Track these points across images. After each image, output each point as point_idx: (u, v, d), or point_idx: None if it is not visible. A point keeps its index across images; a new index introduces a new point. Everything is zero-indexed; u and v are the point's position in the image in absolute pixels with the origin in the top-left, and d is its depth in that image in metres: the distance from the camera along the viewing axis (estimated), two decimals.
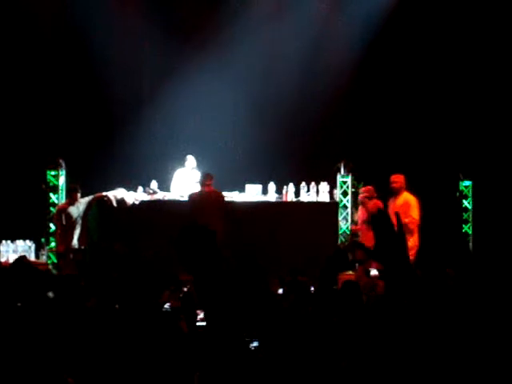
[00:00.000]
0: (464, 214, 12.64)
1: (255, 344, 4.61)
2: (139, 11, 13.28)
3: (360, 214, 10.57)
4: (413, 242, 9.46)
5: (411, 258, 9.14)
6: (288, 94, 13.13)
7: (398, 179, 9.93)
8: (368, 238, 10.26)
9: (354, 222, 11.40)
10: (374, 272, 10.05)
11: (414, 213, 9.67)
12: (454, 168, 12.65)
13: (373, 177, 11.17)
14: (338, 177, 11.80)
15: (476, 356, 3.83)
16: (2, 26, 12.62)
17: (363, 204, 10.43)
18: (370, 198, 10.35)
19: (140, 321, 5.07)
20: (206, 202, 10.18)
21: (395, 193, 9.97)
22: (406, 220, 9.33)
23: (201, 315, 6.28)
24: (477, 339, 3.92)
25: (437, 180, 12.83)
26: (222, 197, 10.59)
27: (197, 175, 11.36)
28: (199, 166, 11.67)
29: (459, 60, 13.08)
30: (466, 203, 12.66)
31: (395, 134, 13.14)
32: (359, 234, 10.79)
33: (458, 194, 12.65)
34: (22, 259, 8.06)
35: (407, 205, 9.68)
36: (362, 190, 10.61)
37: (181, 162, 11.61)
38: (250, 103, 13.08)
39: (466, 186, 12.67)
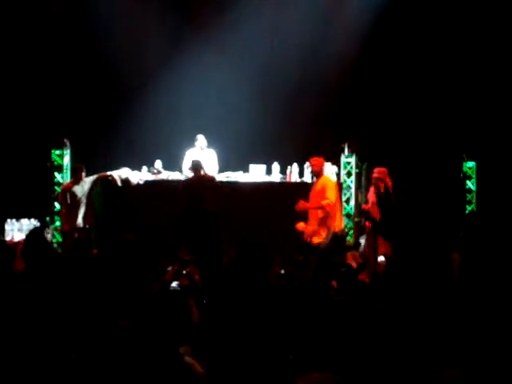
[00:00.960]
0: (468, 195, 12.66)
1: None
2: None
3: (371, 194, 10.52)
4: (335, 225, 9.40)
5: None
6: (292, 75, 13.13)
7: (315, 162, 9.69)
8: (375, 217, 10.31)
9: (365, 202, 11.38)
10: (381, 258, 10.10)
11: (331, 195, 9.39)
12: (458, 149, 12.66)
13: (377, 157, 11.18)
14: (342, 157, 11.81)
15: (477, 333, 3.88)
16: (4, 3, 12.60)
17: (375, 185, 10.39)
18: (382, 180, 10.30)
19: (149, 301, 5.13)
20: (199, 186, 10.17)
21: (315, 176, 9.82)
22: (323, 202, 9.29)
23: None
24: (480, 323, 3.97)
25: (440, 161, 12.85)
26: (214, 180, 10.55)
27: (208, 154, 11.40)
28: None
29: (464, 42, 13.05)
30: (469, 184, 12.67)
31: (399, 115, 13.14)
32: (370, 213, 10.79)
33: (461, 174, 12.66)
34: (37, 232, 8.14)
35: (324, 188, 9.57)
36: (375, 170, 10.50)
37: (188, 141, 11.59)
38: (254, 83, 13.06)
39: (470, 167, 12.67)
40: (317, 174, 9.74)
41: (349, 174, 11.74)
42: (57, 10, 12.81)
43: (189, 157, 11.31)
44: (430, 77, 13.11)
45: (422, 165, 12.93)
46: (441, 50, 13.10)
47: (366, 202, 10.85)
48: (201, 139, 11.43)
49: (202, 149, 11.43)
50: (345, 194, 11.61)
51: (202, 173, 10.31)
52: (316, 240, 9.19)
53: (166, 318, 4.72)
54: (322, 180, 9.65)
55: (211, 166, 11.38)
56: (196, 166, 10.27)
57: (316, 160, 9.71)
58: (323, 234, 9.24)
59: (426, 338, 3.93)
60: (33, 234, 6.74)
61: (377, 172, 10.37)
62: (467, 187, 12.67)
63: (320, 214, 9.44)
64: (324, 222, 9.42)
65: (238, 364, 3.58)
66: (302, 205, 9.52)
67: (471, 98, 13.05)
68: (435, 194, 12.70)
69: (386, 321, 4.39)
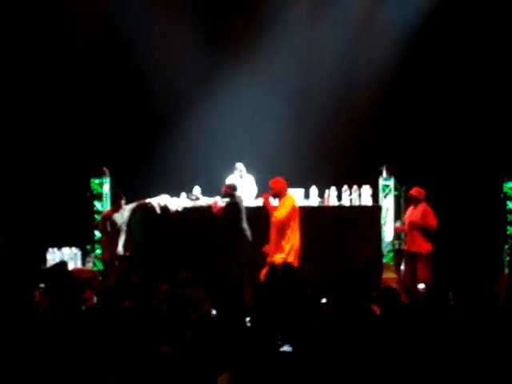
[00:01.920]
0: (509, 215, 12.50)
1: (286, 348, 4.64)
2: (180, 14, 13.41)
3: (408, 215, 10.47)
4: (290, 244, 9.39)
5: (292, 259, 9.25)
6: (328, 97, 13.13)
7: (274, 184, 9.63)
8: (411, 240, 10.25)
9: (400, 222, 11.34)
10: (421, 286, 10.03)
11: (282, 211, 9.38)
12: (498, 169, 12.52)
13: (415, 180, 11.11)
14: (380, 180, 11.77)
15: None
16: (44, 29, 12.81)
17: (413, 205, 10.35)
18: (419, 200, 10.27)
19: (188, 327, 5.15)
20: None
21: (275, 197, 9.74)
22: (274, 215, 9.39)
23: None
24: None
25: (480, 182, 12.71)
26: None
27: (247, 181, 11.47)
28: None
29: (504, 59, 12.93)
30: (510, 205, 12.52)
31: (437, 136, 13.05)
32: (404, 234, 10.75)
33: (502, 195, 12.52)
34: (62, 265, 8.24)
35: (280, 206, 9.56)
36: (413, 190, 10.47)
37: (226, 167, 11.65)
38: (290, 107, 13.10)
39: (511, 188, 12.53)
40: (276, 195, 9.68)
41: (387, 197, 11.69)
42: (94, 39, 12.98)
43: (228, 182, 11.35)
44: (469, 96, 13.00)
45: (461, 186, 12.81)
46: (480, 67, 12.99)
47: (403, 223, 10.80)
48: (240, 167, 11.51)
49: (241, 176, 11.52)
50: (383, 217, 11.54)
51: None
52: (271, 259, 9.34)
53: (205, 344, 4.74)
54: (282, 200, 9.63)
55: (251, 191, 11.46)
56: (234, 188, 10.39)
57: (274, 182, 9.67)
58: (279, 254, 9.30)
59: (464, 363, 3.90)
60: (57, 268, 6.80)
61: (414, 192, 10.34)
62: (508, 208, 12.51)
63: (273, 234, 9.46)
64: (277, 243, 9.43)
65: None
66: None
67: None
68: (476, 215, 12.56)
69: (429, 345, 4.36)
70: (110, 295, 5.79)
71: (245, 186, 11.41)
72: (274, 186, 9.64)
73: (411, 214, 10.33)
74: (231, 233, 10.17)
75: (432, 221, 10.15)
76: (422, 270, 10.12)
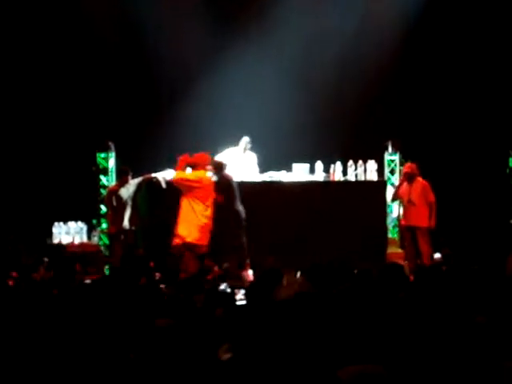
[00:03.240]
0: None
1: None
2: None
3: (404, 191, 10.50)
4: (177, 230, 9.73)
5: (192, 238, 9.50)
6: (333, 72, 13.06)
7: (195, 157, 10.03)
8: (411, 214, 10.30)
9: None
10: (437, 255, 10.11)
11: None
12: (504, 144, 12.49)
13: (420, 155, 11.10)
14: (386, 155, 11.76)
15: None
16: (52, 8, 12.78)
17: (406, 181, 10.42)
18: (413, 175, 10.34)
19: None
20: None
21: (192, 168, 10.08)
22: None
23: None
24: None
25: (486, 157, 12.68)
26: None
27: (250, 157, 11.44)
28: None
29: (508, 33, 12.85)
30: None
31: (442, 111, 13.00)
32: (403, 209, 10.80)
33: (508, 170, 12.49)
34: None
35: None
36: (406, 166, 10.56)
37: (231, 142, 11.62)
38: (295, 82, 13.03)
39: None
40: (192, 166, 10.07)
41: (392, 172, 11.69)
42: (102, 16, 12.94)
43: (227, 154, 11.28)
44: (475, 70, 12.92)
45: (466, 161, 12.78)
46: (485, 41, 12.89)
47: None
48: (246, 141, 11.41)
49: (244, 151, 11.44)
50: (389, 192, 11.54)
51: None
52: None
53: (208, 317, 4.78)
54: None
55: (252, 168, 11.42)
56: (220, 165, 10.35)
57: (198, 155, 10.08)
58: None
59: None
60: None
61: (408, 167, 10.40)
62: None
63: None
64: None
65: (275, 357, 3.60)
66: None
67: None
68: (481, 190, 12.54)
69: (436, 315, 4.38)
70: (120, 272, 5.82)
71: (246, 162, 11.36)
72: (194, 158, 10.00)
73: (409, 190, 10.34)
74: (227, 214, 10.12)
75: (432, 196, 10.25)
76: (423, 245, 10.20)
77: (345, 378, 3.14)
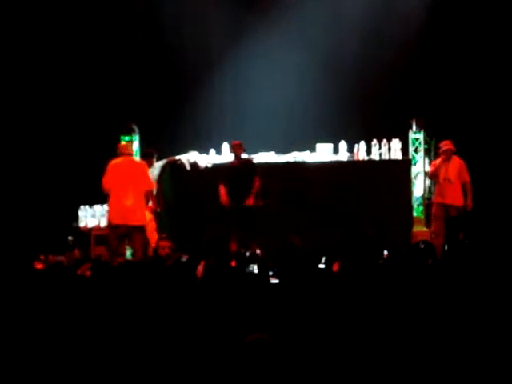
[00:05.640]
0: None
1: None
2: None
3: (443, 170, 10.32)
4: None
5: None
6: (356, 52, 12.99)
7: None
8: (447, 193, 10.19)
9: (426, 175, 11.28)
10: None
11: None
12: None
13: (446, 133, 11.01)
14: (410, 133, 11.69)
15: None
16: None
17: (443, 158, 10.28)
18: (452, 152, 10.22)
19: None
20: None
21: None
22: None
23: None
24: None
25: (510, 135, 12.56)
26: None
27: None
28: (270, 126, 11.69)
29: None
30: None
31: (467, 89, 12.87)
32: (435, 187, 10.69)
33: None
34: None
35: None
36: (445, 142, 10.37)
37: (254, 125, 11.63)
38: (318, 63, 12.97)
39: None
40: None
41: (417, 151, 11.62)
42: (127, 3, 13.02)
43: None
44: (502, 44, 12.72)
45: (490, 139, 12.65)
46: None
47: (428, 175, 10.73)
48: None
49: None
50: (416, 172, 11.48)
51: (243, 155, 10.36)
52: None
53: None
54: None
55: None
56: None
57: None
58: None
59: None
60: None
61: (448, 144, 10.25)
62: None
63: None
64: None
65: None
66: None
67: None
68: (503, 170, 12.42)
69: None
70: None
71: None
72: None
73: (446, 168, 10.19)
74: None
75: (468, 176, 10.16)
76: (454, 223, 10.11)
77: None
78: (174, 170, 11.08)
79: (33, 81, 12.82)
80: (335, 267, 5.89)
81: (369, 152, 11.27)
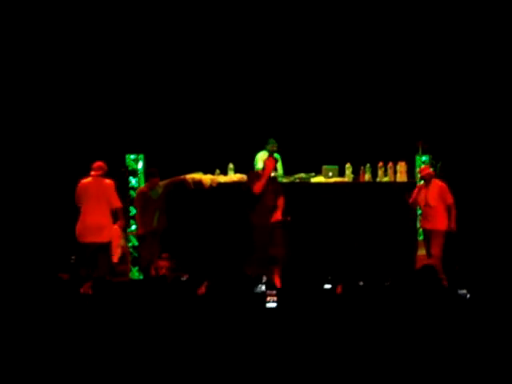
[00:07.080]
0: None
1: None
2: None
3: (421, 194, 10.39)
4: None
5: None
6: (362, 74, 13.03)
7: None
8: (429, 217, 10.18)
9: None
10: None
11: None
12: None
13: (451, 156, 11.00)
14: (417, 156, 11.68)
15: None
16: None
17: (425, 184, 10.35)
18: (430, 177, 10.28)
19: None
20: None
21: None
22: None
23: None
24: None
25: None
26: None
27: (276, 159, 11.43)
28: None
29: None
30: None
31: (473, 113, 12.87)
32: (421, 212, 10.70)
33: None
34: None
35: None
36: (421, 168, 10.53)
37: (259, 144, 11.61)
38: (324, 84, 13.02)
39: None
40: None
41: None
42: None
43: (260, 160, 11.31)
44: (504, 70, 12.76)
45: (497, 162, 12.64)
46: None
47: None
48: (272, 144, 11.40)
49: (272, 153, 11.40)
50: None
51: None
52: None
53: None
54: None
55: (279, 170, 11.42)
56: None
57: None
58: None
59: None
60: None
61: (423, 169, 10.32)
62: None
63: None
64: None
65: None
66: None
67: None
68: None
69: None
70: None
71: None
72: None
73: (425, 193, 10.24)
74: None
75: (451, 198, 10.15)
76: (434, 247, 10.11)
77: None
78: (178, 189, 11.05)
79: (42, 97, 12.86)
80: (339, 289, 5.85)
81: (374, 174, 11.24)
